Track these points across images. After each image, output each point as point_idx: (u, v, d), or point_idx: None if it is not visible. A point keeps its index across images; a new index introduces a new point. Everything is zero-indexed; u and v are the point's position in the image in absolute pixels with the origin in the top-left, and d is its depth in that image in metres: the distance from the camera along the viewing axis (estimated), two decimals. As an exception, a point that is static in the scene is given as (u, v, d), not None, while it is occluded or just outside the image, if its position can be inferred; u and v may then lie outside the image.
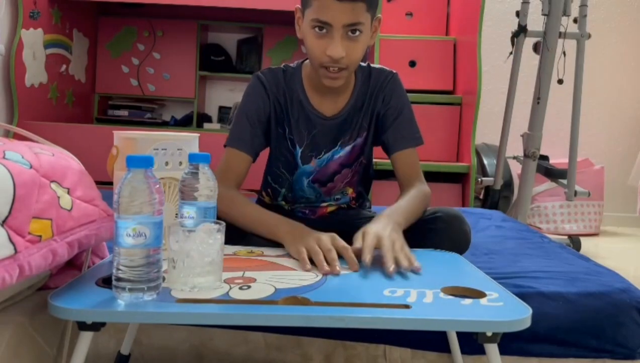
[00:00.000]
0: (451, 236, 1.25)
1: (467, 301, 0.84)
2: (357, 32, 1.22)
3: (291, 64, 1.43)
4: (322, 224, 1.44)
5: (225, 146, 1.37)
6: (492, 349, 0.81)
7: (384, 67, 1.44)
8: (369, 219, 1.44)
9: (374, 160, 1.54)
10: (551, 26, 2.65)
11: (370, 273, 1.01)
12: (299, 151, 1.41)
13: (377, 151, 1.51)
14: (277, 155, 1.44)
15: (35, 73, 2.82)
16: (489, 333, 0.79)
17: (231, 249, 1.15)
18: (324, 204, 1.49)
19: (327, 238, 1.07)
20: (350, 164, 1.44)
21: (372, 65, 1.43)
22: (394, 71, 1.43)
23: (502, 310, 0.81)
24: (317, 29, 1.22)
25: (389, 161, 1.48)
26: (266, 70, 1.41)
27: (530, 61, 3.07)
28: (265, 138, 1.41)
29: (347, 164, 1.43)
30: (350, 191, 1.49)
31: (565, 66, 2.67)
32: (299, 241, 1.09)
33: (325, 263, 1.00)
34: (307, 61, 1.39)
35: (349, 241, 1.35)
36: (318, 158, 1.42)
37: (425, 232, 1.25)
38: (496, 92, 3.63)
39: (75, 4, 3.03)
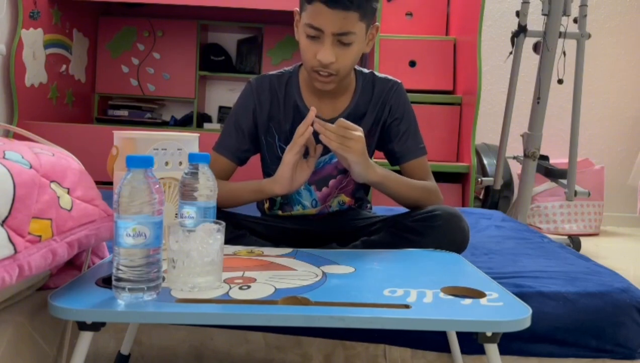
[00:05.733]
0: (449, 233, 1.26)
1: (467, 301, 0.84)
2: (348, 41, 1.24)
3: (288, 68, 1.44)
4: (321, 224, 1.44)
5: (213, 148, 1.40)
6: (492, 349, 0.81)
7: (388, 76, 1.44)
8: (369, 218, 1.45)
9: (374, 160, 1.53)
10: (551, 26, 2.65)
11: (370, 273, 1.01)
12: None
13: (377, 153, 1.51)
14: (269, 163, 1.44)
15: (35, 73, 2.82)
16: (489, 333, 0.79)
17: (231, 249, 1.15)
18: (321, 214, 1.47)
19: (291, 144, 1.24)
20: (346, 171, 1.42)
21: (375, 73, 1.43)
22: (399, 81, 1.44)
23: (502, 310, 0.81)
24: (309, 34, 1.25)
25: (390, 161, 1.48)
26: (259, 77, 1.42)
27: (530, 61, 3.07)
28: (254, 144, 1.43)
29: (343, 170, 1.42)
30: (346, 199, 1.47)
31: (565, 66, 2.67)
32: (279, 175, 1.26)
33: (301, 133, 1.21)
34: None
35: (348, 241, 1.36)
36: None
37: (423, 230, 1.26)
38: (496, 92, 3.63)
39: (75, 4, 3.03)
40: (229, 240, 1.13)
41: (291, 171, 1.25)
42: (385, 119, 1.41)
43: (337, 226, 1.43)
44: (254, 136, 1.42)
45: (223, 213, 1.31)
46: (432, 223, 1.27)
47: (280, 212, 1.47)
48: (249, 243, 1.25)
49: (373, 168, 1.27)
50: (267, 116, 1.40)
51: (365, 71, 1.44)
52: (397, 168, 1.44)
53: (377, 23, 1.34)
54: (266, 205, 1.50)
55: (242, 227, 1.34)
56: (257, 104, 1.39)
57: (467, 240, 1.29)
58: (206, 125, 3.50)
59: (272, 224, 1.42)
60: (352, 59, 1.28)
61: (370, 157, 1.47)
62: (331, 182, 1.44)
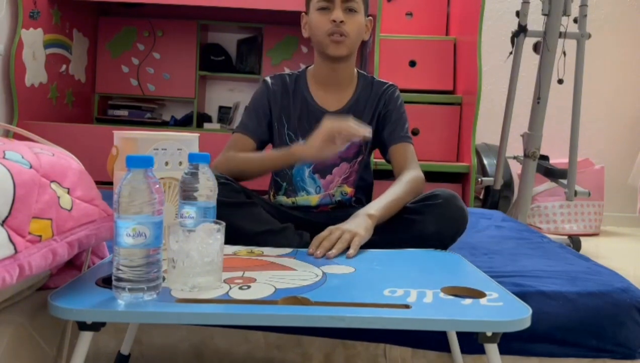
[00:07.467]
0: (449, 210, 1.32)
1: (467, 301, 0.85)
2: (354, 7, 1.46)
3: (297, 70, 1.60)
4: (322, 219, 1.46)
5: (233, 132, 1.54)
6: (492, 349, 0.81)
7: (385, 81, 1.61)
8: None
9: (375, 160, 1.56)
10: (551, 26, 2.65)
11: (370, 273, 1.01)
12: (302, 143, 1.48)
13: (378, 153, 1.54)
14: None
15: (35, 73, 2.82)
16: (489, 333, 0.79)
17: (231, 249, 1.15)
18: (323, 204, 1.56)
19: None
20: (349, 159, 1.54)
21: (374, 77, 1.62)
22: (395, 85, 1.60)
23: (502, 310, 0.81)
24: (322, 6, 1.46)
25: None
26: (273, 75, 1.60)
27: (530, 61, 3.07)
28: (270, 130, 1.56)
29: (346, 158, 1.54)
30: (348, 190, 1.56)
31: (565, 65, 2.67)
32: (310, 142, 1.36)
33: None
34: (311, 67, 1.58)
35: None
36: None
37: (424, 208, 1.33)
38: (496, 92, 3.63)
39: (75, 4, 3.03)
40: (239, 205, 1.31)
41: (321, 142, 1.32)
42: (380, 111, 1.56)
43: (336, 223, 1.45)
44: (269, 122, 1.56)
45: (235, 185, 1.38)
46: (432, 201, 1.33)
47: (285, 198, 1.57)
48: (255, 214, 1.33)
49: (369, 218, 1.27)
50: (279, 107, 1.55)
51: (366, 74, 1.61)
52: (388, 167, 1.49)
53: (370, 17, 1.55)
54: (272, 191, 1.61)
55: (251, 198, 1.40)
56: (271, 97, 1.55)
57: (466, 219, 1.34)
58: (206, 125, 3.50)
59: (278, 208, 1.53)
60: (357, 27, 1.47)
61: (370, 153, 1.61)
62: (335, 170, 1.54)
